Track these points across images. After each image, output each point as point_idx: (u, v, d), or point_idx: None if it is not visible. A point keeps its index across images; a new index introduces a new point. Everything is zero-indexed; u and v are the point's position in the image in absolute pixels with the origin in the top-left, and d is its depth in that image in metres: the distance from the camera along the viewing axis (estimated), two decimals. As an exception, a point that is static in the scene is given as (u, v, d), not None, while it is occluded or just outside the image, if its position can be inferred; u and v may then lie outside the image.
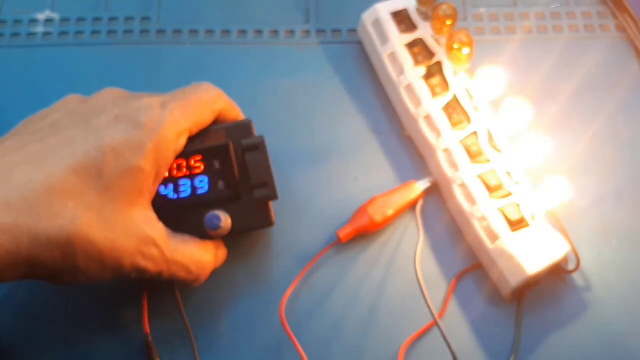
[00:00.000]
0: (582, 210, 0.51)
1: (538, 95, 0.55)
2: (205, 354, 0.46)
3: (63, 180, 0.37)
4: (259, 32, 0.58)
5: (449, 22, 0.51)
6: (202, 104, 0.44)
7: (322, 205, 0.51)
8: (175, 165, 0.45)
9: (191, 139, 0.44)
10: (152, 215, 0.41)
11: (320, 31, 0.58)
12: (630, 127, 0.55)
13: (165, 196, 0.44)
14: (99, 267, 0.38)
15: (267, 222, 0.45)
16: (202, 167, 0.45)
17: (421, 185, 0.51)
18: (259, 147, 0.45)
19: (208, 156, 0.45)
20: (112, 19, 0.58)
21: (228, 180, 0.45)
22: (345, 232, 0.48)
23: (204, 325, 0.47)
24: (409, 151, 0.53)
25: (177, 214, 0.44)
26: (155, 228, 0.41)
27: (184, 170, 0.45)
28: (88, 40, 0.57)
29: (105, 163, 0.38)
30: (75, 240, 0.36)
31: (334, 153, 0.53)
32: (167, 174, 0.44)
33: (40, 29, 0.58)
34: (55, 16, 0.58)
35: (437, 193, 0.52)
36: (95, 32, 0.58)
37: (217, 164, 0.45)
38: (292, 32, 0.58)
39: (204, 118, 0.44)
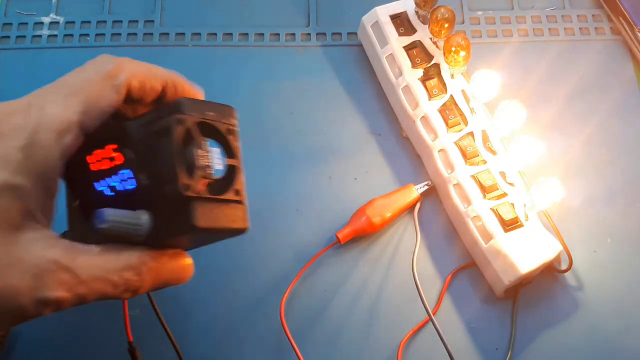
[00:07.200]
0: (575, 210, 0.52)
1: (533, 97, 0.56)
2: (203, 353, 0.47)
3: None
4: (261, 35, 0.59)
5: (446, 25, 0.52)
6: (92, 84, 0.34)
7: (321, 206, 0.52)
8: (95, 160, 0.36)
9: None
10: (49, 234, 0.33)
11: (320, 34, 0.59)
12: (623, 128, 0.55)
13: (101, 192, 0.36)
14: None
15: (188, 227, 0.33)
16: (122, 158, 0.35)
17: (419, 188, 0.52)
18: (169, 131, 0.33)
19: (122, 145, 0.35)
20: (116, 21, 0.59)
21: (148, 171, 0.34)
22: (344, 233, 0.49)
23: (202, 324, 0.48)
24: (406, 152, 0.54)
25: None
26: (57, 248, 0.32)
27: (106, 161, 0.36)
28: (92, 42, 0.58)
29: None
30: None
31: (333, 153, 0.54)
32: (96, 168, 0.36)
33: (45, 31, 0.59)
34: (60, 19, 0.59)
35: (434, 195, 0.53)
36: (99, 35, 0.59)
37: (131, 153, 0.35)
38: (292, 35, 0.59)
39: (99, 101, 0.34)
